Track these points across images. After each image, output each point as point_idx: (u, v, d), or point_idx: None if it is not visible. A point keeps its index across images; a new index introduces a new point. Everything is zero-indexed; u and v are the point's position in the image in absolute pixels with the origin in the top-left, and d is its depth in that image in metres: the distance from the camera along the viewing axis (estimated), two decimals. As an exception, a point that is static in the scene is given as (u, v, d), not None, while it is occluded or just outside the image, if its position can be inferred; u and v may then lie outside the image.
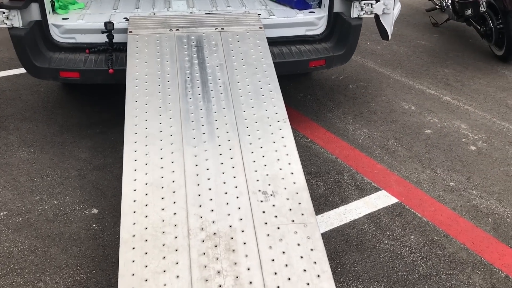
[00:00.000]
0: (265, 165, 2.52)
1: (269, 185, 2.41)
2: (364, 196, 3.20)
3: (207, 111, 2.82)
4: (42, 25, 3.43)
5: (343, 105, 4.47)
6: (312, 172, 3.45)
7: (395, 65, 5.40)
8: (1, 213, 2.99)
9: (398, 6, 4.13)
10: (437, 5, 6.67)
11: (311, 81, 4.98)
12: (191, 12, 3.81)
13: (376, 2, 3.65)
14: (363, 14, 3.67)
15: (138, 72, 3.06)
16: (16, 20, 3.29)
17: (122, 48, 3.41)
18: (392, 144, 3.84)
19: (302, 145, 3.78)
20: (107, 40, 3.41)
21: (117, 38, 3.44)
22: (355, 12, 3.64)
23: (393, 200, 3.16)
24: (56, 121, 4.13)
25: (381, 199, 3.17)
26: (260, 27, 3.51)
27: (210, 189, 2.37)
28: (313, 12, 3.86)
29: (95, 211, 3.02)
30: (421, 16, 7.10)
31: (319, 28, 3.82)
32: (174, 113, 2.79)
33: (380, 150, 3.75)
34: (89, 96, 4.55)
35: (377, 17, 3.73)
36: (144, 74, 3.04)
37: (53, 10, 3.65)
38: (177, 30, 3.42)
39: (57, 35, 3.51)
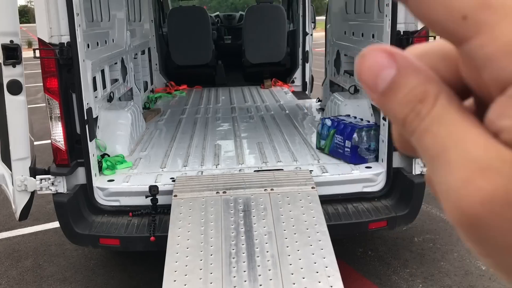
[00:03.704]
0: None
1: None
2: None
3: (253, 295, 2.46)
4: (86, 189, 3.34)
5: (410, 264, 3.96)
6: None
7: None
8: None
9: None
10: None
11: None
12: (240, 170, 3.64)
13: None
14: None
15: (179, 244, 2.80)
16: (61, 186, 3.21)
17: (166, 211, 3.22)
18: (475, 321, 3.23)
19: (365, 319, 3.25)
20: (151, 204, 3.25)
21: (162, 200, 3.27)
22: (417, 169, 3.32)
23: None
24: (96, 283, 3.86)
25: None
26: (313, 187, 3.24)
27: None
28: (370, 167, 3.57)
29: None
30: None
31: (378, 184, 3.50)
32: (216, 297, 2.44)
33: (461, 329, 3.14)
34: (133, 253, 4.32)
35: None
36: (186, 246, 2.78)
37: (100, 171, 3.58)
38: (224, 192, 3.21)
39: (101, 198, 3.40)
